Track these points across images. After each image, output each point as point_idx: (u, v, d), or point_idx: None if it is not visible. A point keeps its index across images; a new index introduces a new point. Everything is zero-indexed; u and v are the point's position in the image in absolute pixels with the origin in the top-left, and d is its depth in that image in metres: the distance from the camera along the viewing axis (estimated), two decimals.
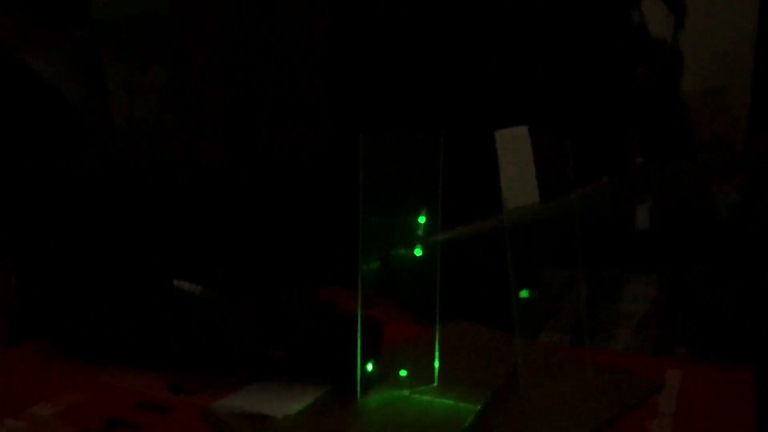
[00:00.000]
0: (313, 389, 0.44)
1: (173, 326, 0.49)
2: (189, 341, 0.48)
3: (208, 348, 0.47)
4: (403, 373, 0.44)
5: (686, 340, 0.56)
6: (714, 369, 0.50)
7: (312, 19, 1.02)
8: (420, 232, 0.45)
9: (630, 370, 0.49)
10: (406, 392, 0.44)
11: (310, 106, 0.98)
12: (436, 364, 0.45)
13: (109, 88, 1.16)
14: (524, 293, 0.45)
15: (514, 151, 0.45)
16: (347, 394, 0.44)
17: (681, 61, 0.94)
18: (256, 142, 0.99)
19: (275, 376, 0.45)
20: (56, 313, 0.54)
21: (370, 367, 0.44)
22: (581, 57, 0.88)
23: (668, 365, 0.50)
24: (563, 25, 0.86)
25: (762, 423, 0.42)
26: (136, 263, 0.61)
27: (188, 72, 1.10)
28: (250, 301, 0.46)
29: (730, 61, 1.11)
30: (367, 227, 0.41)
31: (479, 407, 0.42)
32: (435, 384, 0.45)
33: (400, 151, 0.41)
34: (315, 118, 0.96)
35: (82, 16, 1.11)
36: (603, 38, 0.89)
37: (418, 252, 0.45)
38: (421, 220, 0.45)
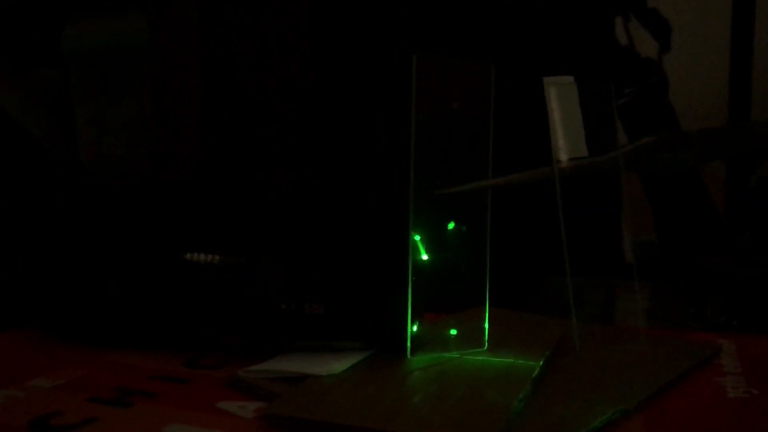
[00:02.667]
0: (355, 353, 0.40)
1: (187, 301, 0.44)
2: (206, 313, 0.43)
3: (232, 317, 0.42)
4: (453, 331, 0.41)
5: (722, 318, 0.54)
6: (765, 338, 0.48)
7: (295, 51, 1.01)
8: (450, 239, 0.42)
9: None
10: (456, 354, 0.40)
11: (293, 145, 0.96)
12: (486, 326, 0.41)
13: (76, 124, 1.12)
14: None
15: (563, 100, 0.43)
16: (392, 356, 0.39)
17: (666, 81, 0.95)
18: (233, 181, 0.95)
19: (311, 338, 0.41)
20: (47, 297, 0.48)
21: (415, 327, 0.40)
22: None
23: (717, 336, 0.48)
24: (551, 45, 0.87)
25: None
26: (136, 242, 0.56)
27: (163, 105, 1.07)
28: (279, 260, 0.42)
29: (704, 82, 1.14)
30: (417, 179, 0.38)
31: (541, 362, 0.38)
32: (485, 347, 0.41)
33: (453, 77, 0.38)
34: (298, 158, 0.93)
35: (50, 56, 1.07)
36: (590, 59, 0.90)
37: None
38: (450, 226, 0.42)
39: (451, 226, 0.42)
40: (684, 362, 0.41)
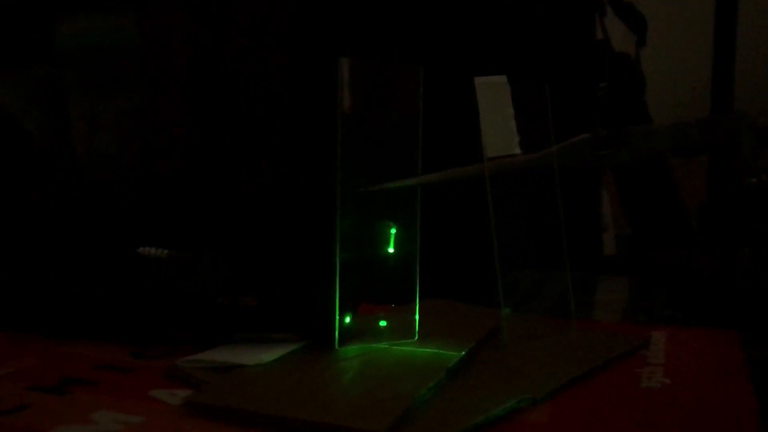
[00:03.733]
0: (287, 345, 0.42)
1: (135, 293, 0.46)
2: (154, 306, 0.45)
3: (176, 310, 0.44)
4: (382, 323, 0.42)
5: (668, 311, 0.55)
6: (699, 330, 0.49)
7: (277, 47, 1.02)
8: (391, 244, 0.43)
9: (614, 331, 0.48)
10: (385, 344, 0.42)
11: (282, 139, 0.98)
12: (416, 317, 0.43)
13: (70, 119, 1.15)
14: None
15: (494, 100, 0.44)
16: (323, 347, 0.41)
17: (643, 78, 0.96)
18: (224, 176, 0.97)
19: (247, 329, 0.42)
20: (1, 287, 0.50)
21: (347, 319, 0.42)
22: (544, 72, 0.90)
23: (651, 328, 0.49)
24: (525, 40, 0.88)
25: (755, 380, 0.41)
26: (92, 236, 0.58)
27: (154, 102, 1.09)
28: (219, 253, 0.43)
29: (688, 80, 1.14)
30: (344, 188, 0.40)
31: (463, 353, 0.40)
32: (415, 338, 0.43)
33: (380, 82, 0.40)
34: (287, 153, 0.95)
35: (45, 54, 1.09)
36: (566, 53, 0.91)
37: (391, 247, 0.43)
38: (392, 230, 0.43)
39: (386, 224, 0.43)
40: (607, 353, 0.42)
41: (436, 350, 0.41)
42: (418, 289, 0.43)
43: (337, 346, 0.41)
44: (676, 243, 0.79)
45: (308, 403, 0.33)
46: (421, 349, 0.41)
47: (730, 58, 1.10)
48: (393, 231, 0.43)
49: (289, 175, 0.72)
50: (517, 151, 0.45)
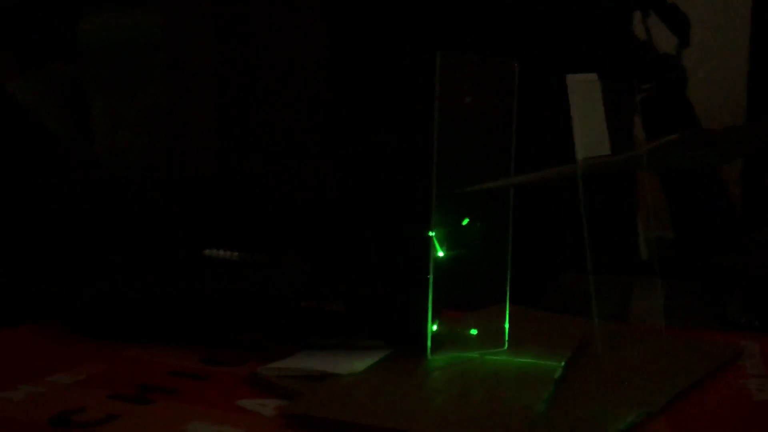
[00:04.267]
0: (375, 352, 0.40)
1: (207, 297, 0.44)
2: (225, 309, 0.43)
3: (253, 314, 0.42)
4: (473, 331, 0.40)
5: (743, 318, 0.53)
6: None
7: (310, 45, 1.00)
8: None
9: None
10: (476, 354, 0.40)
11: (307, 139, 0.96)
12: (506, 325, 0.41)
13: (91, 117, 1.13)
14: None
15: (586, 98, 0.43)
16: (412, 355, 0.39)
17: (685, 77, 0.94)
18: (248, 176, 0.95)
19: (331, 335, 0.40)
20: (66, 291, 0.48)
21: (435, 326, 0.40)
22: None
23: (740, 336, 0.47)
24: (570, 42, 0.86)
25: None
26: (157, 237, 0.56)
27: (178, 100, 1.07)
28: (299, 256, 0.42)
29: (723, 80, 1.12)
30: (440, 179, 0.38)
31: (563, 362, 0.38)
32: (505, 347, 0.41)
33: (477, 75, 0.38)
34: (312, 152, 0.93)
35: (67, 51, 1.08)
36: (609, 55, 0.89)
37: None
38: (465, 222, 0.41)
39: (465, 221, 0.42)
40: (706, 363, 0.40)
41: (533, 360, 0.39)
42: (508, 294, 0.41)
43: (429, 355, 0.39)
44: (726, 246, 0.77)
45: (420, 415, 0.31)
46: (518, 359, 0.39)
47: (767, 57, 1.09)
48: (479, 236, 0.41)
49: (375, 178, 0.70)
50: (609, 151, 0.43)
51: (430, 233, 0.40)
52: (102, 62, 1.15)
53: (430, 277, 0.38)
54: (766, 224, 0.78)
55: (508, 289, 0.41)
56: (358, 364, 0.38)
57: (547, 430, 0.31)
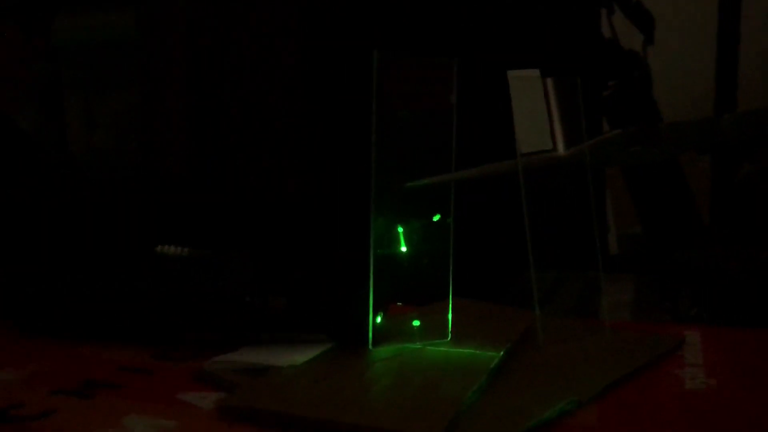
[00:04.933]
0: (318, 345, 0.41)
1: (156, 293, 0.44)
2: (175, 306, 0.43)
3: (200, 310, 0.43)
4: (416, 323, 0.41)
5: (693, 311, 0.54)
6: (732, 330, 0.48)
7: (282, 43, 1.01)
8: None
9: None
10: (418, 345, 0.41)
11: (281, 134, 0.96)
12: (449, 317, 0.42)
13: (66, 117, 1.12)
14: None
15: (527, 94, 0.43)
16: (355, 348, 0.40)
17: (649, 74, 0.96)
18: (224, 171, 0.95)
19: (276, 330, 0.41)
20: (18, 289, 0.48)
21: (379, 319, 0.40)
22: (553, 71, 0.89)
23: (683, 328, 0.48)
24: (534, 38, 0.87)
25: None
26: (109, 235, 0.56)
27: (153, 98, 1.07)
28: (246, 252, 0.42)
29: (691, 77, 1.14)
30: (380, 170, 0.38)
31: (502, 353, 0.39)
32: (448, 338, 0.42)
33: (415, 76, 0.39)
34: (286, 147, 0.93)
35: (42, 51, 1.07)
36: (575, 51, 0.90)
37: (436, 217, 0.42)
38: (436, 218, 0.42)
39: (437, 218, 0.42)
40: (645, 354, 0.41)
41: (473, 351, 0.39)
42: (451, 287, 0.42)
43: (370, 347, 0.39)
44: (688, 241, 0.78)
45: (353, 406, 0.32)
46: (457, 350, 0.40)
47: (733, 55, 1.10)
48: (400, 230, 0.42)
49: (320, 174, 0.71)
50: (551, 146, 0.44)
51: (398, 228, 0.41)
52: (78, 61, 1.15)
53: (371, 271, 0.39)
54: (731, 222, 0.79)
55: (451, 282, 0.42)
56: (299, 357, 0.38)
57: (475, 419, 0.31)
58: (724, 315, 0.54)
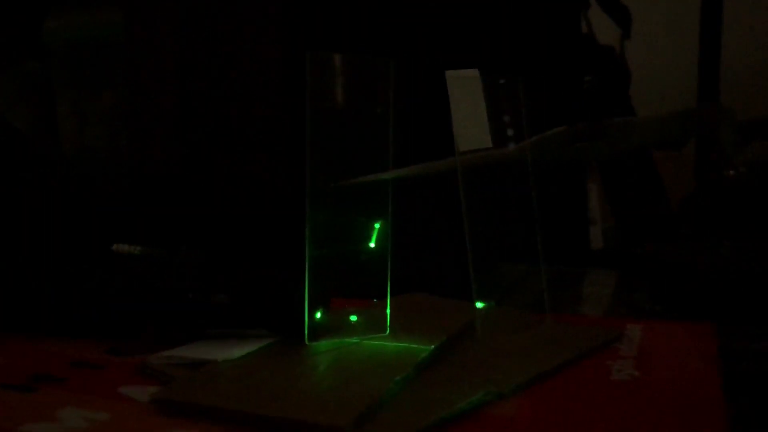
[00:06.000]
0: (259, 340, 0.42)
1: (108, 290, 0.46)
2: (127, 302, 0.45)
3: (149, 307, 0.44)
4: (353, 318, 0.42)
5: (648, 304, 0.55)
6: (675, 323, 0.49)
7: (268, 43, 1.02)
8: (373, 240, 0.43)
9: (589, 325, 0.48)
10: (356, 339, 0.42)
11: (268, 133, 0.97)
12: (388, 311, 0.43)
13: (58, 115, 1.14)
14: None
15: (466, 93, 0.44)
16: (294, 343, 0.41)
17: (628, 71, 0.96)
18: (212, 171, 0.96)
19: (220, 326, 0.42)
20: None
21: (319, 315, 0.42)
22: (528, 66, 0.89)
23: (628, 321, 0.49)
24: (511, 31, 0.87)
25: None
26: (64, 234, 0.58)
27: (140, 98, 1.08)
28: (193, 250, 0.43)
29: (674, 74, 1.14)
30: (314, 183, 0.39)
31: (433, 347, 0.40)
32: (387, 333, 0.43)
33: (351, 75, 0.40)
34: (260, 148, 0.94)
35: (33, 49, 1.09)
36: (550, 46, 0.91)
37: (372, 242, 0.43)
38: (377, 225, 0.43)
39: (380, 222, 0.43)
40: (579, 346, 0.42)
41: (407, 344, 0.40)
42: (389, 283, 0.43)
43: (307, 341, 0.41)
44: (660, 236, 0.79)
45: (276, 398, 0.33)
46: (393, 344, 0.41)
47: (716, 51, 1.10)
48: (377, 226, 0.43)
49: (262, 171, 0.72)
50: (490, 144, 0.45)
51: (375, 224, 0.42)
52: (68, 59, 1.16)
53: (306, 267, 0.40)
54: (705, 217, 0.79)
55: (389, 278, 0.43)
56: (236, 351, 0.40)
57: (392, 409, 0.33)
58: (679, 308, 0.55)
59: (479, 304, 0.45)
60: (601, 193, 1.17)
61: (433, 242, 0.68)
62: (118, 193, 0.70)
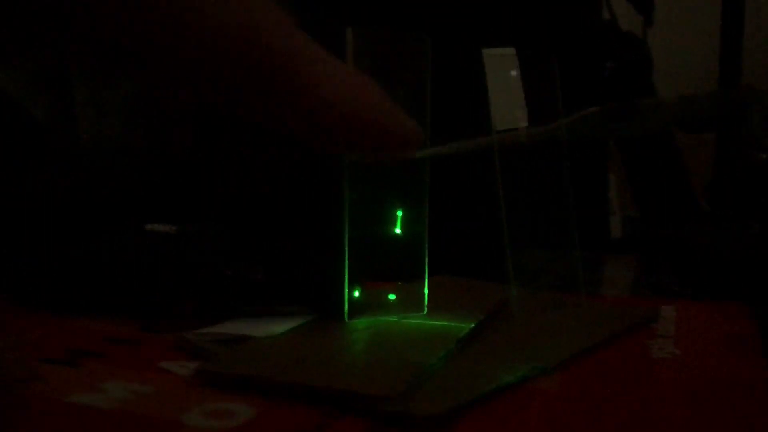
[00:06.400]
0: (297, 317, 0.42)
1: (145, 269, 0.46)
2: (160, 279, 0.45)
3: (183, 283, 0.44)
4: (391, 296, 0.42)
5: (676, 287, 0.55)
6: (709, 303, 0.49)
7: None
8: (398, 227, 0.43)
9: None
10: (394, 317, 0.42)
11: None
12: (425, 291, 0.43)
13: (76, 104, 1.14)
14: None
15: (502, 71, 0.44)
16: (332, 320, 0.41)
17: (650, 58, 0.95)
18: (230, 150, 0.96)
19: (256, 303, 0.42)
20: (10, 262, 0.50)
21: (356, 293, 0.42)
22: (550, 52, 0.89)
23: (661, 302, 0.49)
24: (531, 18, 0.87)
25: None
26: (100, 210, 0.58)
27: (158, 88, 1.08)
28: (223, 226, 0.43)
29: (696, 60, 1.13)
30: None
31: (473, 324, 0.40)
32: (424, 312, 0.43)
33: (386, 52, 0.40)
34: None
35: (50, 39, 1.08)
36: (572, 33, 0.90)
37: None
38: (399, 213, 0.43)
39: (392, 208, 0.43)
40: (616, 325, 0.42)
41: (446, 323, 0.40)
42: (426, 265, 0.43)
43: (346, 319, 0.41)
44: (684, 222, 0.79)
45: (319, 370, 0.33)
46: (431, 322, 0.41)
47: (738, 38, 1.09)
48: (399, 213, 0.43)
49: (298, 148, 0.72)
50: (526, 123, 0.45)
51: (397, 211, 0.42)
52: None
53: (345, 243, 0.40)
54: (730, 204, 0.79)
55: (426, 259, 0.43)
56: (277, 328, 0.40)
57: (437, 382, 0.33)
58: (707, 290, 0.55)
59: (513, 285, 0.45)
60: (619, 183, 1.17)
61: (455, 224, 0.68)
62: (147, 176, 0.70)
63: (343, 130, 0.32)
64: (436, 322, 0.41)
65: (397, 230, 0.42)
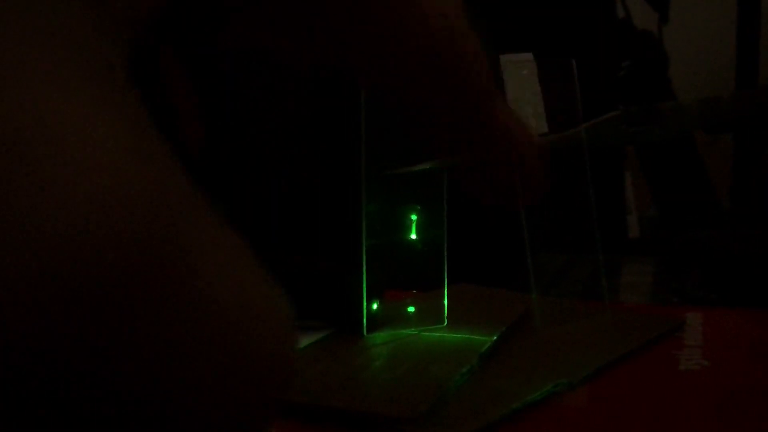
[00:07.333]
0: (315, 332, 0.41)
1: None
2: None
3: None
4: (411, 309, 0.41)
5: (701, 293, 0.54)
6: (736, 311, 0.48)
7: None
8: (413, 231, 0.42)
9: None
10: (414, 330, 0.41)
11: (303, 117, 0.96)
12: (445, 302, 0.42)
13: None
14: None
15: (521, 77, 0.43)
16: (350, 334, 0.40)
17: (666, 55, 0.94)
18: (243, 159, 0.96)
19: None
20: None
21: (375, 306, 0.41)
22: (566, 51, 0.88)
23: (686, 310, 0.48)
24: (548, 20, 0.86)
25: None
26: None
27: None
28: (241, 237, 0.43)
29: (712, 57, 1.12)
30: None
31: (495, 337, 0.39)
32: (445, 324, 0.42)
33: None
34: (308, 133, 0.93)
35: None
36: (587, 31, 0.89)
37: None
38: (414, 216, 0.42)
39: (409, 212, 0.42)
40: (642, 335, 0.41)
41: (467, 336, 0.40)
42: (446, 273, 0.42)
43: (364, 333, 0.40)
44: (704, 223, 0.77)
45: (339, 390, 0.32)
46: (452, 335, 0.40)
47: (755, 35, 1.08)
48: (414, 217, 0.42)
49: (314, 158, 0.71)
50: (546, 129, 0.44)
51: (412, 216, 0.41)
52: None
53: (363, 257, 0.39)
54: (750, 205, 0.78)
55: (445, 268, 0.42)
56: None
57: (461, 401, 0.32)
58: (733, 296, 0.53)
59: (534, 293, 0.44)
60: (635, 183, 1.16)
61: (472, 232, 0.67)
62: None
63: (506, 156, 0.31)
64: (458, 335, 0.40)
65: (414, 237, 0.42)
